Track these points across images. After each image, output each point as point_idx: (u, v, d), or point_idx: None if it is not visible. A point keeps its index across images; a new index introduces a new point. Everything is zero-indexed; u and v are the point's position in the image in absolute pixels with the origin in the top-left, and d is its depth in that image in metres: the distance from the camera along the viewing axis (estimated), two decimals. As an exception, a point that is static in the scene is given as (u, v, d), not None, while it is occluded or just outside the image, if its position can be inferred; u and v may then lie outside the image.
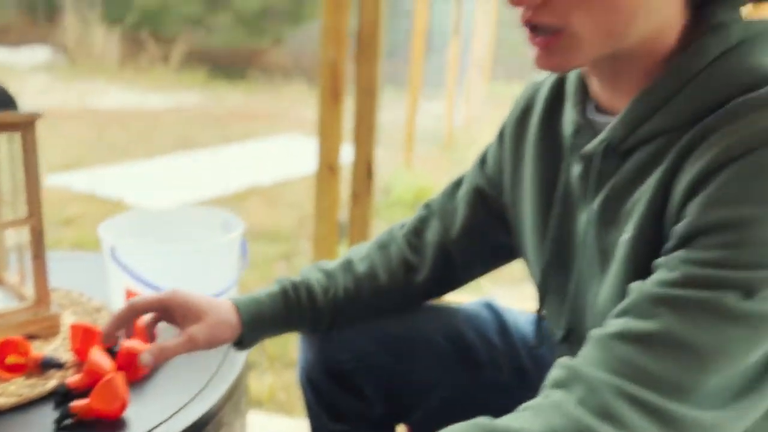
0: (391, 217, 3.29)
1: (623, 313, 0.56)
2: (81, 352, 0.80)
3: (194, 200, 3.71)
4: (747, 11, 0.64)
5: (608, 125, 0.65)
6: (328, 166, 2.23)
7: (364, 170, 2.20)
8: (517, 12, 0.62)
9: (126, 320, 0.78)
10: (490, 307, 0.99)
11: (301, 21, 12.36)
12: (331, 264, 0.90)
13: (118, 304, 0.95)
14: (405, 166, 4.66)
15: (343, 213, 2.27)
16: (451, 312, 0.96)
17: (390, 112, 5.43)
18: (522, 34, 0.63)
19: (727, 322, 0.51)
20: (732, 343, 0.51)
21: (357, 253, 0.91)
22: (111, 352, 0.80)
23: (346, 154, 2.19)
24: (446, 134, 5.94)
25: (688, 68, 0.59)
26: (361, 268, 0.88)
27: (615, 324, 0.56)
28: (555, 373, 0.57)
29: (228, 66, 11.14)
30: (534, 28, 0.60)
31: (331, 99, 2.16)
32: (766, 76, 0.55)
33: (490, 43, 7.70)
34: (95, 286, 1.02)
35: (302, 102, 7.11)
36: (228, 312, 0.80)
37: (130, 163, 4.60)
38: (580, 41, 0.59)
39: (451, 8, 5.62)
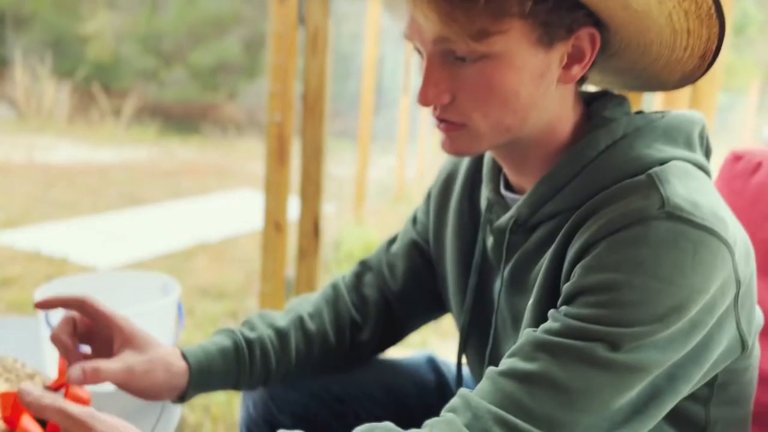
0: (342, 271, 3.30)
1: (512, 355, 0.64)
2: (11, 421, 0.80)
3: (140, 257, 3.68)
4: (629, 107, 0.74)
5: (516, 204, 0.74)
6: (274, 224, 2.27)
7: (311, 227, 2.25)
8: None
9: (69, 305, 0.75)
10: (431, 361, 1.03)
11: (256, 76, 12.53)
12: (281, 319, 0.88)
13: (52, 370, 0.96)
14: (356, 221, 4.73)
15: (291, 270, 2.30)
16: (391, 366, 0.99)
17: (344, 165, 5.53)
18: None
19: (595, 369, 0.59)
20: (599, 387, 0.59)
21: (305, 307, 0.91)
22: (41, 422, 0.80)
23: (294, 209, 2.24)
24: (397, 187, 6.06)
25: (582, 158, 0.68)
26: (312, 327, 0.89)
27: (504, 363, 0.64)
28: (452, 400, 0.64)
29: (181, 120, 11.15)
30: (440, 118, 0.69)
31: (277, 160, 2.23)
32: (643, 165, 0.65)
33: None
34: (30, 351, 1.02)
35: (255, 157, 7.16)
36: (172, 356, 0.77)
37: (76, 219, 4.54)
38: (479, 134, 0.67)
39: (401, 66, 5.82)
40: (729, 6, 1.57)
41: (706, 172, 0.70)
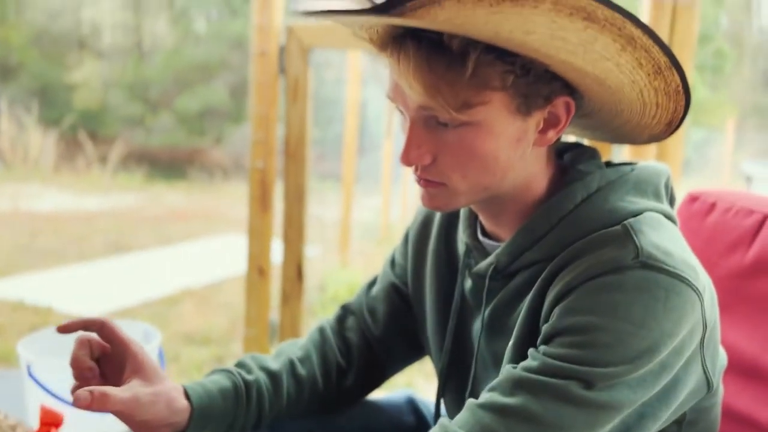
0: (327, 315, 3.31)
1: (492, 389, 0.67)
2: None
3: (126, 305, 3.67)
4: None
5: (495, 251, 0.78)
6: (257, 269, 2.30)
7: (295, 271, 2.28)
8: None
9: (89, 326, 0.75)
10: (411, 402, 1.05)
11: (242, 121, 12.64)
12: (273, 362, 0.89)
13: (34, 421, 0.97)
14: (341, 263, 4.75)
15: (275, 314, 2.31)
16: (371, 408, 1.01)
17: (330, 207, 5.58)
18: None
19: (570, 406, 0.63)
20: (572, 423, 0.63)
21: (295, 351, 0.92)
22: None
23: (279, 253, 2.27)
24: (382, 228, 6.10)
25: (560, 210, 0.73)
26: (302, 371, 0.89)
27: (483, 396, 0.67)
28: (432, 429, 0.67)
29: (167, 166, 11.20)
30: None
31: (260, 206, 2.27)
32: (618, 217, 0.70)
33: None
34: (13, 402, 1.04)
35: (242, 201, 7.18)
36: (175, 392, 0.76)
37: (61, 268, 4.53)
38: (457, 193, 0.72)
39: (384, 109, 5.92)
40: (690, 67, 1.66)
41: (674, 221, 0.75)
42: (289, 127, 2.18)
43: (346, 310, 1.00)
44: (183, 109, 12.72)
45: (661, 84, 0.66)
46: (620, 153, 1.72)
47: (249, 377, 0.84)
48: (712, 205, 1.06)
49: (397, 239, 1.00)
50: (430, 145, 0.69)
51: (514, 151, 0.70)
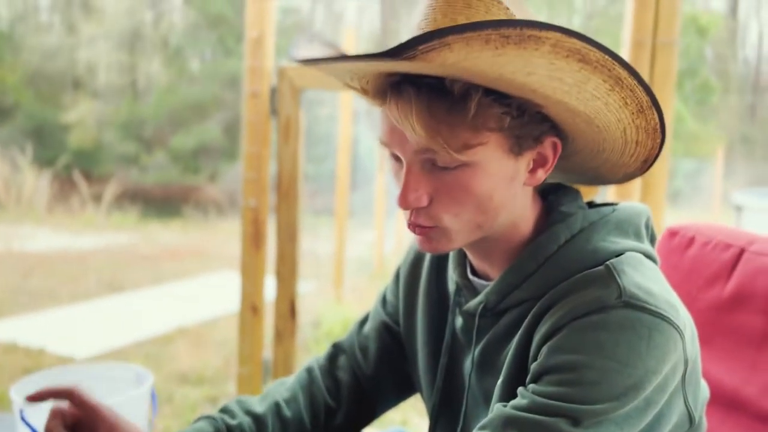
0: (321, 351, 3.30)
1: (483, 428, 0.69)
2: None
3: (119, 345, 3.65)
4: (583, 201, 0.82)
5: (484, 289, 0.80)
6: (251, 307, 2.31)
7: (288, 309, 2.28)
8: None
9: (58, 396, 0.77)
10: None
11: (236, 158, 12.71)
12: (258, 405, 0.90)
13: (26, 465, 0.97)
14: (335, 299, 4.75)
15: (269, 352, 2.31)
16: None
17: (325, 242, 5.59)
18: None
19: None
20: None
21: (281, 392, 0.92)
22: None
23: (272, 291, 2.28)
24: (376, 262, 6.11)
25: (545, 250, 0.75)
26: (288, 413, 0.90)
27: None
28: None
29: (162, 204, 11.22)
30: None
31: (253, 244, 2.29)
32: (600, 257, 0.73)
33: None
34: (5, 447, 1.04)
35: (236, 238, 7.19)
36: None
37: (54, 309, 4.51)
38: (451, 233, 0.73)
39: (376, 144, 5.99)
40: (669, 100, 1.71)
41: (654, 260, 0.78)
42: (282, 166, 2.21)
43: (337, 349, 1.00)
44: (177, 147, 12.80)
45: (642, 122, 0.70)
46: (606, 187, 1.76)
47: (232, 422, 0.86)
48: (691, 240, 1.08)
49: (391, 273, 1.01)
50: (428, 187, 0.71)
51: (507, 190, 0.72)
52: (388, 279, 1.02)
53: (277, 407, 0.90)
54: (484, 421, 0.69)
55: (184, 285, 5.44)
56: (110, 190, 9.66)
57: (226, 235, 7.98)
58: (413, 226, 0.74)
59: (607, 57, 0.62)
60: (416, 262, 0.95)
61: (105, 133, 13.00)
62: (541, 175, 0.74)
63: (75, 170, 10.41)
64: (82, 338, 3.86)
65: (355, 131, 5.17)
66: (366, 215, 6.24)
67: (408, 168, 0.71)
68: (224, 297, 4.83)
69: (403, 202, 0.71)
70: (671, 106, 1.73)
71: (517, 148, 0.70)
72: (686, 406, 0.73)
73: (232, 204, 10.21)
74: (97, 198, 9.67)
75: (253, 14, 2.22)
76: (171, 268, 5.96)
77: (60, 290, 5.00)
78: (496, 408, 0.69)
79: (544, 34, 0.58)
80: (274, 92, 2.20)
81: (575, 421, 0.64)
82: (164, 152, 12.98)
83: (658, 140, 0.73)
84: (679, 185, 11.43)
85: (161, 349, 3.63)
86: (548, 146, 0.73)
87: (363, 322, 1.01)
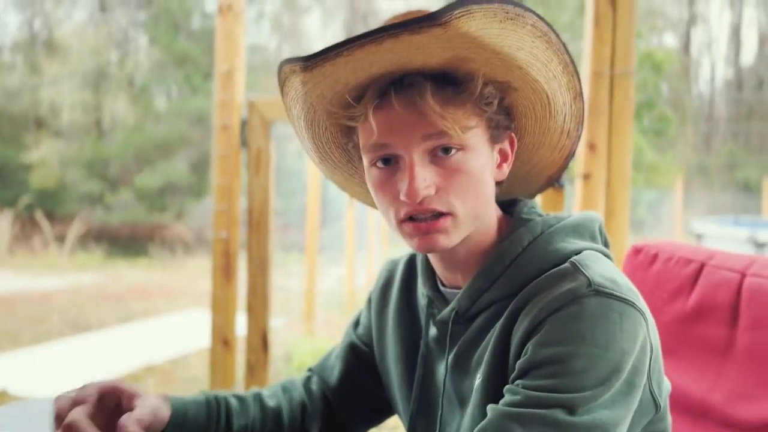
0: (293, 386, 3.26)
1: (483, 429, 0.70)
2: None
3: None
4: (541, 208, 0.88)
5: (455, 297, 0.83)
6: (222, 341, 2.28)
7: (260, 341, 2.27)
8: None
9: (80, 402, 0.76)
10: None
11: (203, 195, 12.64)
12: (243, 393, 0.94)
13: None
14: (306, 333, 4.71)
15: (240, 386, 2.29)
16: None
17: (294, 278, 5.56)
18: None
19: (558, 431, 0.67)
20: None
21: (265, 390, 0.97)
22: None
23: (242, 326, 2.26)
24: (347, 297, 6.09)
25: (510, 253, 0.80)
26: (269, 403, 0.94)
27: None
28: None
29: (127, 243, 11.05)
30: (413, 219, 0.77)
31: (224, 276, 2.28)
32: (563, 256, 0.78)
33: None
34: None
35: (204, 275, 7.11)
36: (161, 400, 0.83)
37: (16, 350, 4.38)
38: (459, 221, 0.77)
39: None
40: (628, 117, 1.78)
41: (610, 258, 0.83)
42: (252, 199, 2.22)
43: (311, 371, 1.05)
44: (143, 185, 12.67)
45: (576, 110, 0.80)
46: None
47: (219, 395, 0.92)
48: (655, 256, 1.13)
49: (361, 307, 1.04)
50: (433, 177, 0.75)
51: (490, 178, 0.79)
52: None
53: (259, 396, 0.95)
54: (482, 424, 0.71)
55: (152, 323, 5.34)
56: (74, 230, 9.49)
57: (194, 272, 7.89)
58: (415, 221, 0.76)
59: (560, 41, 0.73)
60: (386, 286, 0.99)
61: (68, 172, 12.83)
62: (505, 169, 0.81)
63: (37, 210, 10.22)
64: (45, 379, 3.75)
65: (323, 166, 5.20)
66: (335, 251, 6.25)
67: (411, 161, 0.74)
68: (192, 334, 4.76)
69: (413, 193, 0.73)
70: (630, 131, 1.80)
71: (493, 138, 0.78)
72: (650, 391, 0.76)
73: (199, 242, 10.11)
74: (61, 238, 9.49)
75: (222, 49, 2.25)
76: (138, 307, 5.86)
77: (22, 331, 4.87)
78: (491, 408, 0.71)
79: (527, 14, 0.69)
80: (244, 125, 2.22)
81: (570, 409, 0.67)
82: (130, 191, 12.84)
83: (580, 131, 0.82)
84: (642, 215, 11.71)
85: (128, 388, 3.54)
86: (507, 141, 0.81)
87: (334, 348, 1.05)
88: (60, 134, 13.60)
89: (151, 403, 0.79)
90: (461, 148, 0.75)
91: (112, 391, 0.79)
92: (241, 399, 0.93)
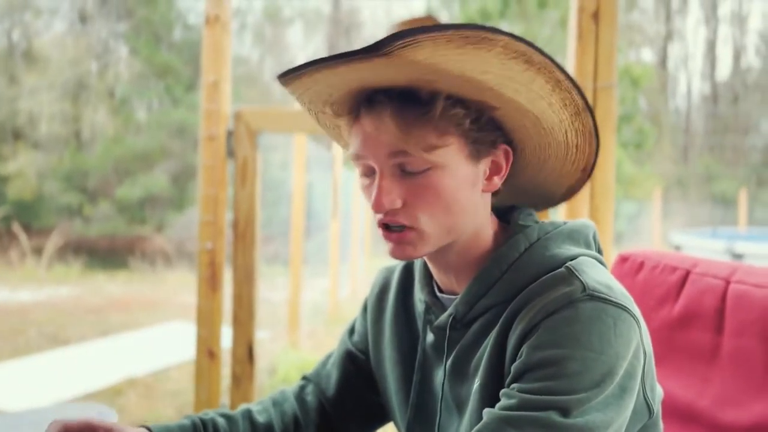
0: (277, 398, 3.24)
1: None
2: None
3: (65, 398, 3.50)
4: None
5: (452, 303, 0.84)
6: (207, 352, 2.26)
7: (246, 353, 2.25)
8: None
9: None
10: None
11: (184, 207, 12.54)
12: (231, 411, 0.94)
13: None
14: (291, 345, 4.69)
15: (225, 398, 2.27)
16: None
17: (277, 290, 5.53)
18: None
19: None
20: None
21: (253, 404, 0.96)
22: None
23: (227, 339, 2.24)
24: (331, 308, 6.07)
25: (507, 258, 0.81)
26: (259, 419, 0.94)
27: None
28: None
29: (107, 255, 10.91)
30: (387, 227, 0.79)
31: (209, 287, 2.26)
32: (559, 261, 0.79)
33: (368, 221, 8.20)
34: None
35: (185, 288, 7.05)
36: None
37: (-6, 364, 4.30)
38: (425, 235, 0.79)
39: (330, 191, 6.03)
40: (611, 127, 1.81)
41: (604, 265, 0.84)
42: (238, 209, 2.22)
43: (306, 380, 1.04)
44: (123, 197, 12.55)
45: (580, 125, 0.79)
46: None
47: (206, 417, 0.91)
48: (641, 264, 1.15)
49: (346, 319, 1.04)
50: (400, 191, 0.77)
51: (470, 194, 0.79)
52: (344, 324, 1.06)
53: (249, 413, 0.95)
54: (477, 426, 0.71)
55: (132, 336, 5.27)
56: (52, 242, 9.35)
57: (175, 285, 7.82)
58: (387, 229, 0.79)
59: (547, 60, 0.72)
60: (382, 292, 1.00)
61: (46, 184, 12.67)
62: (497, 181, 0.82)
63: (14, 222, 10.06)
64: (23, 394, 3.68)
65: (308, 177, 5.21)
66: (319, 263, 6.23)
67: (381, 174, 0.77)
68: (174, 347, 4.71)
69: (378, 204, 0.76)
70: (613, 143, 1.83)
71: (475, 153, 0.78)
72: (644, 396, 0.77)
73: (180, 254, 10.02)
74: (38, 251, 9.35)
75: (209, 59, 2.25)
76: (118, 320, 5.78)
77: (0, 346, 4.78)
78: (487, 412, 0.72)
79: (495, 36, 0.68)
80: (230, 135, 2.22)
81: (565, 411, 0.68)
82: (109, 203, 12.70)
83: (594, 145, 0.82)
84: (621, 227, 11.85)
85: (110, 400, 3.49)
86: (501, 154, 0.81)
87: (329, 355, 1.05)
88: (38, 145, 13.43)
89: None
90: (429, 167, 0.76)
91: (85, 430, 0.80)
92: (229, 418, 0.92)
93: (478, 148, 0.78)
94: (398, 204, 0.77)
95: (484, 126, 0.78)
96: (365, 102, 0.77)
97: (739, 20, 20.84)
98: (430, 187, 0.76)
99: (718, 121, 19.12)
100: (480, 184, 0.80)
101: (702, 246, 7.54)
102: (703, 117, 20.16)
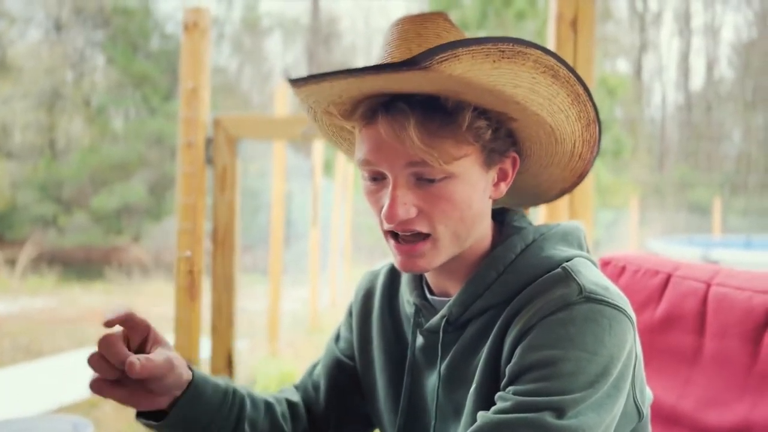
0: (257, 409, 3.19)
1: None
2: None
3: (38, 412, 3.42)
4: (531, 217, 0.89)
5: (445, 305, 0.83)
6: (186, 362, 2.23)
7: (225, 363, 2.22)
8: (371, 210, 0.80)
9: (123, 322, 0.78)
10: None
11: (161, 217, 12.41)
12: (257, 395, 0.93)
13: None
14: (271, 354, 4.64)
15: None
16: None
17: (256, 300, 5.48)
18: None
19: None
20: None
21: (275, 401, 0.95)
22: None
23: (205, 349, 2.20)
24: (311, 317, 6.03)
25: (504, 259, 0.80)
26: (281, 420, 0.93)
27: None
28: None
29: (82, 266, 10.74)
30: (397, 237, 0.78)
31: (188, 296, 2.23)
32: (554, 262, 0.79)
33: (348, 230, 8.19)
34: None
35: (162, 299, 6.96)
36: (182, 360, 0.81)
37: (-36, 378, 4.19)
38: (440, 245, 0.77)
39: (309, 200, 6.01)
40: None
41: (595, 265, 0.84)
42: (217, 217, 2.19)
43: (295, 387, 1.02)
44: (99, 207, 12.38)
45: (588, 135, 0.80)
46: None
47: (239, 390, 0.90)
48: (623, 268, 1.15)
49: (326, 328, 1.03)
50: (416, 200, 0.75)
51: (481, 201, 0.78)
52: (324, 333, 1.04)
53: (271, 407, 0.93)
54: (470, 429, 0.70)
55: (109, 348, 5.17)
56: (26, 253, 9.18)
57: (152, 295, 7.71)
58: (398, 240, 0.77)
59: (571, 74, 0.72)
60: (367, 297, 0.98)
61: (20, 194, 12.46)
62: (503, 188, 0.82)
63: (-13, 233, 9.87)
64: (-4, 408, 3.59)
65: (287, 187, 5.18)
66: (298, 272, 6.19)
67: (395, 183, 0.75)
68: (152, 359, 4.62)
69: (393, 214, 0.74)
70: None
71: (489, 161, 0.78)
72: (633, 398, 0.77)
73: (157, 264, 9.89)
74: (12, 262, 9.17)
75: (188, 66, 2.23)
76: (93, 332, 5.68)
77: (-30, 359, 4.67)
78: (480, 416, 0.71)
79: (529, 50, 0.68)
80: (209, 142, 2.20)
81: (559, 412, 0.67)
82: (85, 213, 12.53)
83: (595, 153, 0.83)
84: (599, 235, 11.96)
85: (85, 413, 3.42)
86: (509, 162, 0.81)
87: (315, 364, 1.03)
88: (11, 155, 13.22)
89: (168, 355, 0.77)
90: (446, 176, 0.75)
91: (144, 329, 0.79)
92: (252, 399, 0.91)
93: (491, 157, 0.78)
94: (413, 213, 0.76)
95: (501, 135, 0.78)
96: (383, 107, 0.74)
97: (712, 32, 21.28)
98: (445, 196, 0.75)
99: (692, 129, 19.47)
100: (489, 190, 0.80)
101: (678, 253, 7.64)
102: (678, 126, 20.51)
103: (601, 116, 0.82)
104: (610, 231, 12.15)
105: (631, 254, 1.18)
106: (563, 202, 1.86)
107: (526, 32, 10.08)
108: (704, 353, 0.99)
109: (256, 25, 17.96)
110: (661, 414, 1.00)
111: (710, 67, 21.19)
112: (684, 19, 21.41)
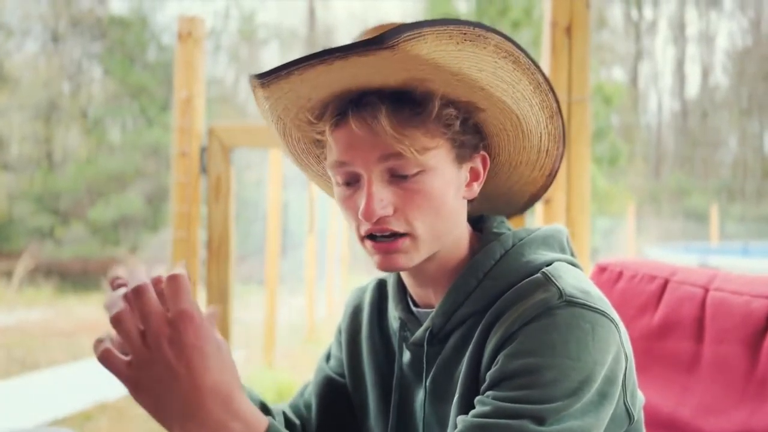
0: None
1: None
2: None
3: (33, 425, 3.39)
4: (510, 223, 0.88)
5: (429, 315, 0.81)
6: (181, 373, 2.21)
7: (220, 374, 2.20)
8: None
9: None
10: None
11: (159, 228, 12.39)
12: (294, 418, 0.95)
13: None
14: (267, 364, 4.62)
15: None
16: None
17: (252, 310, 5.46)
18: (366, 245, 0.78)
19: None
20: None
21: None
22: None
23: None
24: (308, 327, 6.01)
25: (483, 266, 0.79)
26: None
27: None
28: None
29: (79, 278, 10.70)
30: (374, 238, 0.76)
31: (183, 306, 2.21)
32: (534, 267, 0.78)
33: (345, 239, 8.17)
34: None
35: (159, 309, 6.91)
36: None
37: (-41, 391, 4.16)
38: (419, 242, 0.76)
39: (305, 208, 6.00)
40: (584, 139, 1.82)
41: (580, 268, 0.83)
42: (212, 226, 2.18)
43: (289, 407, 1.00)
44: (96, 219, 12.36)
45: (552, 128, 0.80)
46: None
47: (276, 408, 0.92)
48: (619, 274, 1.14)
49: (323, 338, 1.01)
50: (391, 197, 0.74)
51: (456, 199, 0.78)
52: (321, 344, 1.03)
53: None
54: None
55: (105, 360, 5.14)
56: (22, 265, 9.15)
57: (149, 307, 7.65)
58: (375, 240, 0.76)
59: (531, 62, 0.73)
60: (355, 313, 0.97)
61: (17, 205, 12.44)
62: (476, 188, 0.81)
63: (-17, 245, 9.84)
64: (-10, 421, 3.56)
65: (283, 196, 5.17)
66: (294, 282, 6.17)
67: (369, 180, 0.74)
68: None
69: (369, 212, 0.73)
70: (588, 156, 1.84)
71: (460, 157, 0.77)
72: (624, 401, 0.76)
73: (154, 275, 9.84)
74: (8, 273, 9.13)
75: (182, 75, 2.23)
76: (89, 344, 5.62)
77: (-35, 372, 4.63)
78: (460, 420, 0.70)
79: (489, 35, 0.69)
80: (203, 152, 2.19)
81: (540, 420, 0.66)
82: (82, 224, 12.50)
83: (561, 149, 0.83)
84: (596, 242, 11.96)
85: (80, 426, 3.40)
86: (479, 161, 0.81)
87: (307, 385, 1.02)
88: (8, 167, 13.20)
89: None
90: (420, 170, 0.74)
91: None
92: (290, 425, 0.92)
93: (462, 152, 0.77)
94: (390, 210, 0.74)
95: (470, 129, 0.78)
96: (353, 104, 0.74)
97: (707, 40, 21.40)
98: (421, 191, 0.75)
99: (688, 136, 19.54)
100: (462, 190, 0.79)
101: (676, 260, 7.64)
102: (674, 133, 20.59)
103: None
104: (608, 239, 12.16)
105: (628, 260, 1.17)
106: (560, 210, 1.85)
107: (522, 41, 10.11)
108: (702, 359, 0.98)
109: (253, 36, 18.02)
110: (660, 422, 0.99)
111: (705, 74, 21.30)
112: (679, 27, 21.54)
